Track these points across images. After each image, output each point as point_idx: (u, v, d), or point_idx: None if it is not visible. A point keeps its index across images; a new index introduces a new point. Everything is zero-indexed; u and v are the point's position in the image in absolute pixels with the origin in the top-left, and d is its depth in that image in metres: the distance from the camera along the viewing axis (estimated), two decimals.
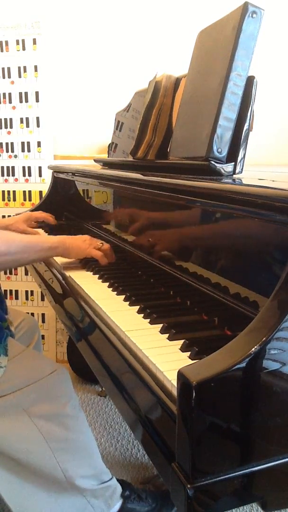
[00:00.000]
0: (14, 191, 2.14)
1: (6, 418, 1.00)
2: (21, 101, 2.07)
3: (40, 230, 1.70)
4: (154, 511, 1.23)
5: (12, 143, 2.11)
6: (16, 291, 2.18)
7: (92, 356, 0.86)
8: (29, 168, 2.11)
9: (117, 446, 1.61)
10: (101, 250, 1.13)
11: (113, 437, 1.66)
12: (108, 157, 1.63)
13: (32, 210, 1.91)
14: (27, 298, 2.18)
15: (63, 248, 1.10)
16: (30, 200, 2.13)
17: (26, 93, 2.06)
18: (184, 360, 0.64)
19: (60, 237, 1.12)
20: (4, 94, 2.08)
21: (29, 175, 2.12)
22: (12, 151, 2.11)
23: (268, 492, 0.55)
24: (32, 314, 2.13)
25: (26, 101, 2.07)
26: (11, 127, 2.10)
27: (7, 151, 2.12)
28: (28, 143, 2.10)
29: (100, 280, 1.05)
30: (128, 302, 0.89)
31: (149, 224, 1.10)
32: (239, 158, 0.87)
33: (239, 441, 0.51)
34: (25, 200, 2.13)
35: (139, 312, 0.83)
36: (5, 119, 2.10)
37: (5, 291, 2.15)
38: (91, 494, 1.08)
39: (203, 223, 0.86)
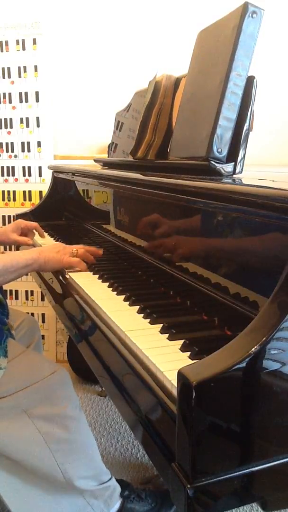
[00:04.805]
0: (14, 191, 2.14)
1: (6, 419, 1.00)
2: (21, 101, 2.07)
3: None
4: (153, 510, 1.23)
5: (12, 143, 2.11)
6: (16, 291, 2.18)
7: (92, 356, 0.86)
8: (29, 168, 2.11)
9: (117, 446, 1.61)
10: (77, 256, 1.12)
11: (113, 437, 1.66)
12: (108, 157, 1.63)
13: (32, 210, 1.91)
14: (27, 298, 2.18)
15: (38, 264, 1.07)
16: (30, 200, 2.13)
17: (26, 93, 2.06)
18: (184, 360, 0.64)
19: (34, 252, 1.08)
20: (4, 94, 2.08)
21: (29, 175, 2.12)
22: (12, 151, 2.11)
23: (268, 492, 0.55)
24: (32, 314, 2.13)
25: (26, 101, 2.07)
26: (11, 127, 2.10)
27: (7, 151, 2.12)
28: (28, 143, 2.10)
29: (100, 280, 1.05)
30: (128, 302, 0.89)
31: (149, 224, 1.10)
32: (239, 158, 0.87)
33: (239, 441, 0.51)
34: (25, 200, 2.13)
35: (139, 312, 0.83)
36: (5, 119, 2.10)
37: (5, 291, 2.15)
38: (91, 494, 1.08)
39: (203, 223, 0.86)
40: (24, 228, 1.40)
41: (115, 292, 0.96)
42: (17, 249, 1.62)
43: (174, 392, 0.55)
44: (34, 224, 1.44)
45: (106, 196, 1.40)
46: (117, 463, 1.52)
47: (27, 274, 2.08)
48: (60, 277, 1.15)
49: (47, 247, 1.14)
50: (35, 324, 1.46)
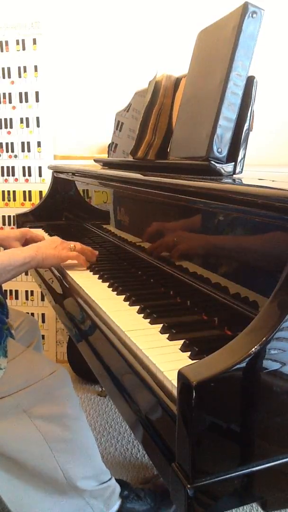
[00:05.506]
0: (14, 191, 2.14)
1: (6, 419, 1.00)
2: (21, 101, 2.07)
3: (39, 230, 1.70)
4: (153, 509, 1.23)
5: (12, 143, 2.11)
6: (16, 291, 2.18)
7: (92, 356, 0.86)
8: (29, 168, 2.11)
9: (117, 446, 1.61)
10: (75, 251, 1.12)
11: (113, 437, 1.66)
12: (108, 157, 1.63)
13: (32, 210, 1.91)
14: (27, 298, 2.18)
15: (36, 261, 1.06)
16: (30, 200, 2.13)
17: (26, 93, 2.06)
18: (184, 360, 0.64)
19: (32, 250, 1.07)
20: (4, 94, 2.08)
21: (29, 175, 2.12)
22: (12, 151, 2.11)
23: (268, 492, 0.55)
24: (32, 314, 2.13)
25: (26, 101, 2.07)
26: (11, 127, 2.10)
27: (7, 151, 2.12)
28: (28, 143, 2.10)
29: (100, 280, 1.05)
30: (128, 302, 0.89)
31: (149, 224, 1.10)
32: (239, 158, 0.87)
33: (239, 441, 0.51)
34: (25, 200, 2.13)
35: (139, 312, 0.83)
36: (5, 119, 2.10)
37: (5, 291, 2.15)
38: (90, 495, 1.08)
39: (203, 223, 0.86)
40: (29, 239, 1.36)
41: (115, 292, 0.96)
42: None
43: (174, 392, 0.55)
44: (40, 236, 1.39)
45: (106, 196, 1.40)
46: (117, 463, 1.52)
47: (26, 273, 2.09)
48: (60, 277, 1.15)
49: (44, 243, 1.12)
50: (35, 324, 1.46)
